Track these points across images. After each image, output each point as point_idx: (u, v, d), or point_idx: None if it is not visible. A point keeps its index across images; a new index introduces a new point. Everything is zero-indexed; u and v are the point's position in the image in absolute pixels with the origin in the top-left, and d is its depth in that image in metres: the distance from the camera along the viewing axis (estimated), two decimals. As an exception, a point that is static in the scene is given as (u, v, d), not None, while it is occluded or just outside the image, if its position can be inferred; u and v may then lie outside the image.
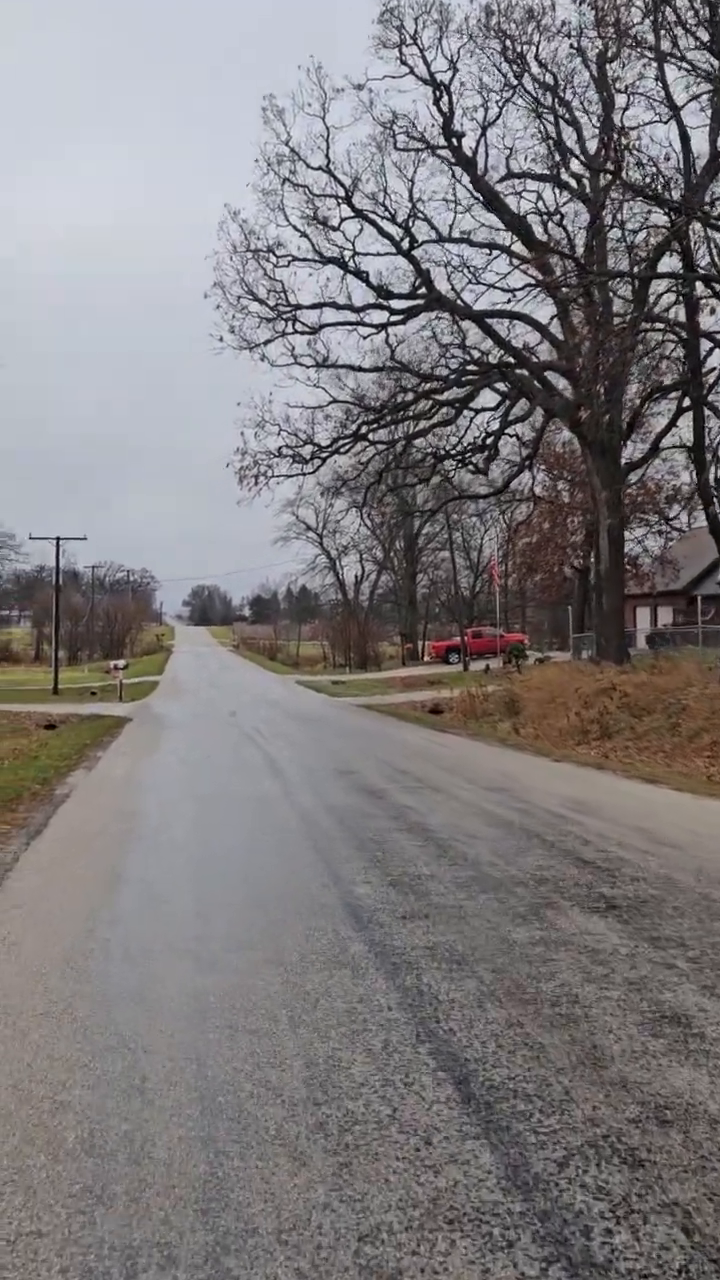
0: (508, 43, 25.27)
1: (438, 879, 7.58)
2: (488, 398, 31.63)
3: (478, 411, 31.56)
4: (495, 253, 28.59)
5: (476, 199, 26.58)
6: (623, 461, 29.41)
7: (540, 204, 26.35)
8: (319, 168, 26.44)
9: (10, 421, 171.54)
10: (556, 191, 27.84)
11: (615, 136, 22.86)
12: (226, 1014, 4.82)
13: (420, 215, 27.17)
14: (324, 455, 29.15)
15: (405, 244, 26.17)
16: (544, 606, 77.15)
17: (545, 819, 10.20)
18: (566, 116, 27.50)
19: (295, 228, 27.64)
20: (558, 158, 26.18)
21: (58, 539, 52.11)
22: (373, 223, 26.11)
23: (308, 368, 29.87)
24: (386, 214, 26.07)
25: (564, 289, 25.02)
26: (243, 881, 7.69)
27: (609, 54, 27.07)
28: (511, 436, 31.25)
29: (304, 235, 27.79)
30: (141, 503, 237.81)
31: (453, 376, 28.44)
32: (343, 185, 26.37)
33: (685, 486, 41.65)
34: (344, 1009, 4.87)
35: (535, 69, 26.96)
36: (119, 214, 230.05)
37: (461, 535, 77.27)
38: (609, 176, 23.10)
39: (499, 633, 63.23)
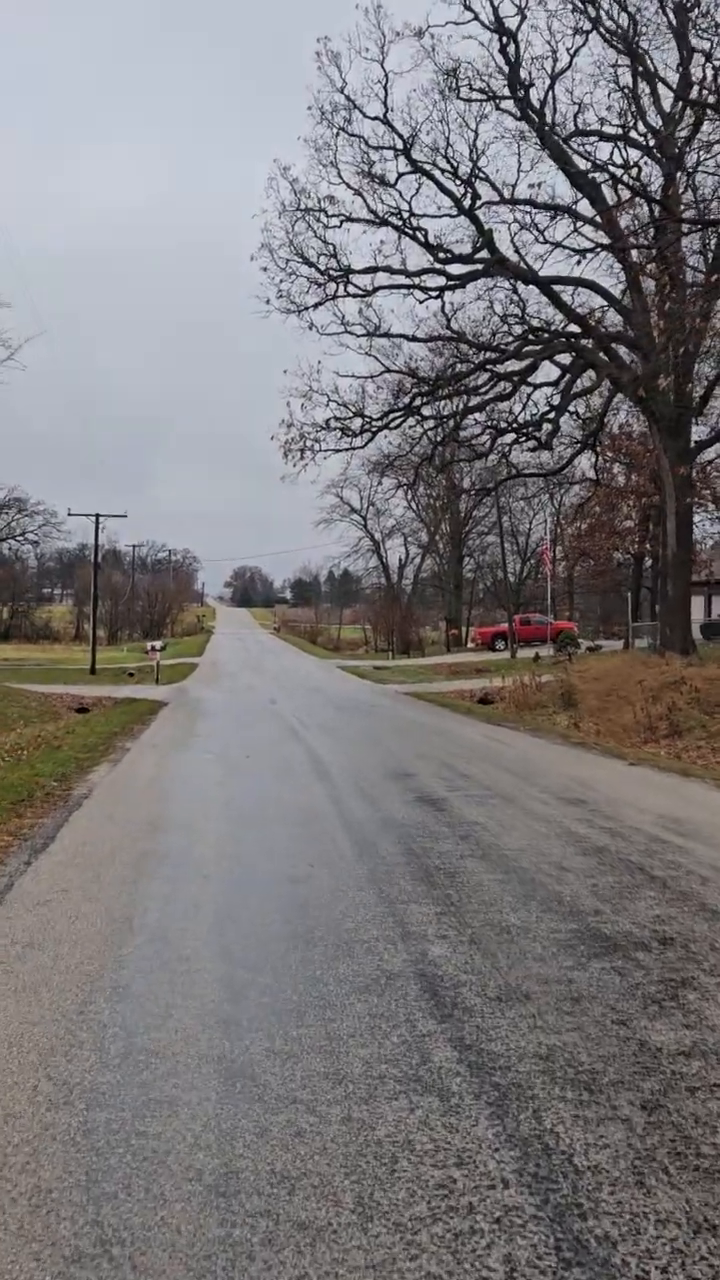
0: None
1: (531, 933, 5.97)
2: (546, 372, 29.80)
3: (536, 386, 29.69)
4: (560, 215, 26.69)
5: (544, 155, 24.68)
6: (693, 441, 27.46)
7: (612, 162, 24.36)
8: (376, 117, 24.63)
9: (50, 402, 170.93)
10: (627, 151, 25.84)
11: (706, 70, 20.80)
12: (263, 1190, 3.22)
13: (481, 175, 25.30)
14: (374, 429, 27.46)
15: (467, 201, 24.33)
16: (593, 594, 75.05)
17: (643, 845, 8.54)
18: (641, 70, 25.53)
19: (349, 185, 25.92)
20: (632, 111, 24.24)
21: (97, 515, 51.01)
22: (432, 178, 24.27)
23: (358, 336, 28.19)
24: (448, 168, 24.22)
25: (639, 246, 23.09)
26: (285, 933, 6.08)
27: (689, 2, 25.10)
28: (572, 413, 29.38)
29: (358, 193, 26.06)
30: (184, 483, 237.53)
31: (515, 344, 26.58)
32: (401, 137, 24.53)
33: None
34: (436, 1181, 3.27)
35: (608, 20, 25.04)
36: (153, 195, 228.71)
37: (510, 519, 75.30)
38: (691, 123, 21.12)
39: (548, 620, 61.30)
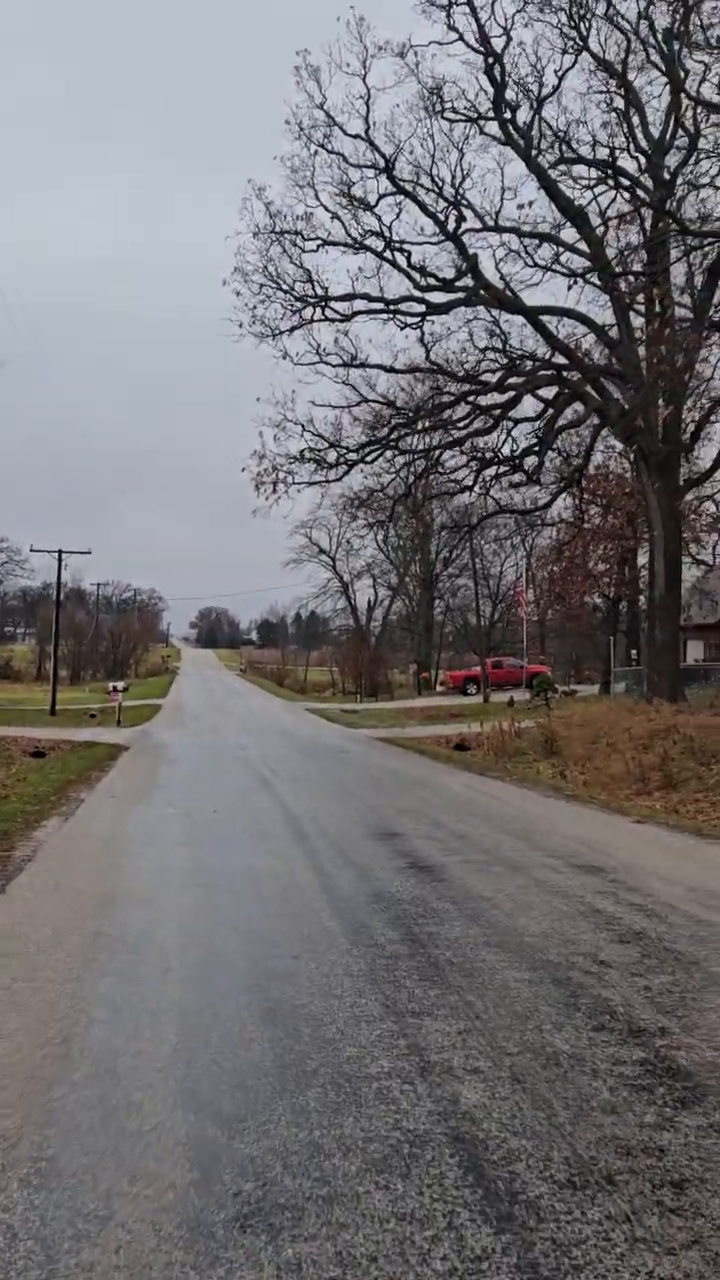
0: (572, 7, 22.57)
1: (588, 1065, 4.60)
2: (526, 408, 28.82)
3: (517, 422, 28.70)
4: (544, 245, 25.85)
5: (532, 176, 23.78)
6: (681, 479, 26.51)
7: (604, 180, 23.50)
8: (357, 135, 23.54)
9: (18, 437, 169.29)
10: (615, 179, 25.06)
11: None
12: None
13: (465, 202, 24.36)
14: (350, 461, 26.28)
15: (451, 225, 23.36)
16: (565, 637, 74.13)
17: (686, 928, 7.20)
18: (629, 96, 24.84)
19: (327, 208, 24.88)
20: (624, 132, 23.45)
21: (59, 552, 49.55)
22: (415, 199, 23.26)
23: (334, 366, 27.06)
24: (432, 187, 23.22)
25: (633, 273, 22.19)
26: (270, 1063, 4.64)
27: (675, 29, 24.48)
28: (556, 449, 28.38)
29: (335, 216, 25.04)
30: (149, 523, 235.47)
31: (499, 375, 25.54)
32: (383, 155, 23.43)
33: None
34: None
35: (596, 44, 24.36)
36: (111, 240, 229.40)
37: (481, 562, 74.40)
38: (682, 151, 20.33)
39: (520, 663, 60.22)
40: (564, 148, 24.86)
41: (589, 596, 53.11)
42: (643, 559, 46.62)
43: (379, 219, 24.96)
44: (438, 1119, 4.02)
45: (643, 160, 23.87)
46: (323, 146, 23.71)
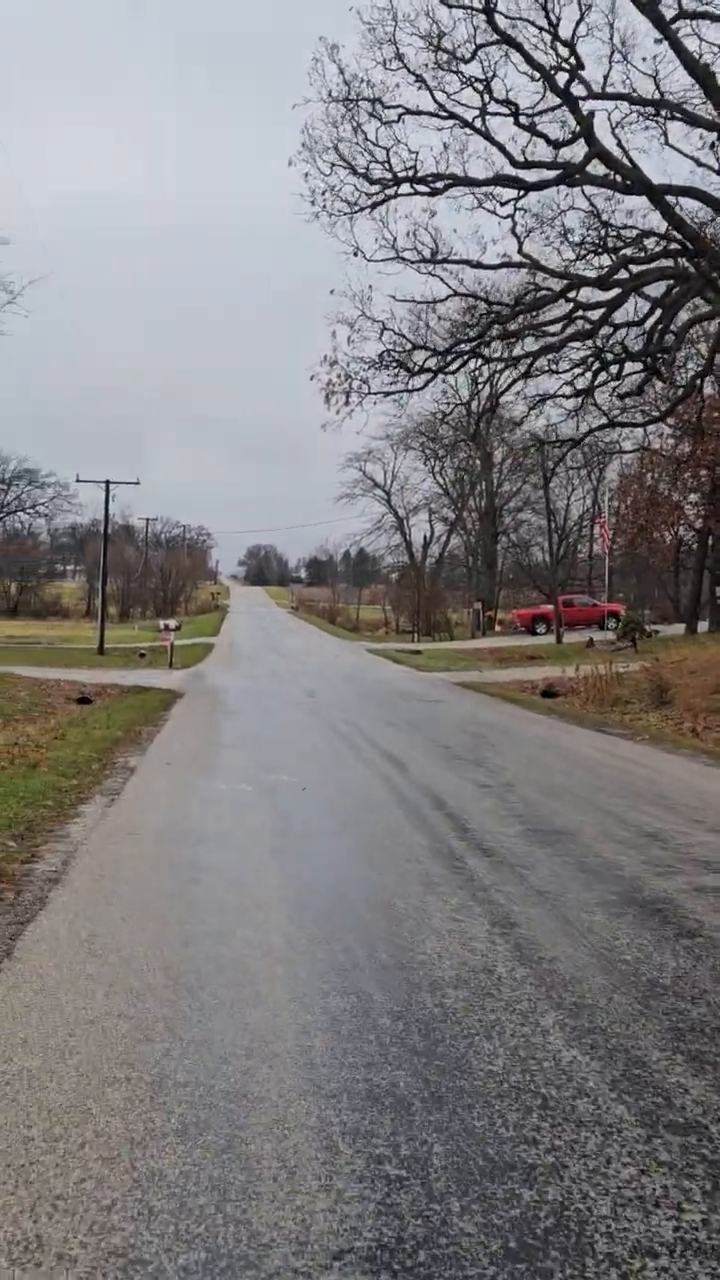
0: None
1: None
2: (628, 310, 25.06)
3: (616, 328, 24.99)
4: (665, 114, 21.97)
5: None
6: None
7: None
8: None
9: (51, 369, 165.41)
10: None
11: None
12: None
13: (577, 55, 20.26)
14: (436, 368, 22.82)
15: (563, 79, 19.54)
16: (627, 575, 70.12)
17: None
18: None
19: (410, 69, 21.14)
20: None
21: (107, 482, 46.81)
22: (520, 49, 19.44)
23: (412, 263, 23.52)
24: (546, 26, 19.28)
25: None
26: None
27: None
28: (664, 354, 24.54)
29: (420, 81, 21.30)
30: (195, 463, 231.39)
31: (608, 270, 21.85)
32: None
33: None
34: None
35: None
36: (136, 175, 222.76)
37: (545, 497, 70.30)
38: None
39: (593, 601, 56.63)
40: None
41: (672, 529, 49.29)
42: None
43: (473, 88, 21.09)
44: None
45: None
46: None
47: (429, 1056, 3.89)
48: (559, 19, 19.13)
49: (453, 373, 25.37)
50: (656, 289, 24.10)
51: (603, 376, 22.51)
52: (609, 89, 21.66)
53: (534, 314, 23.56)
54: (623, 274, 22.99)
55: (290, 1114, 3.41)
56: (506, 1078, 3.71)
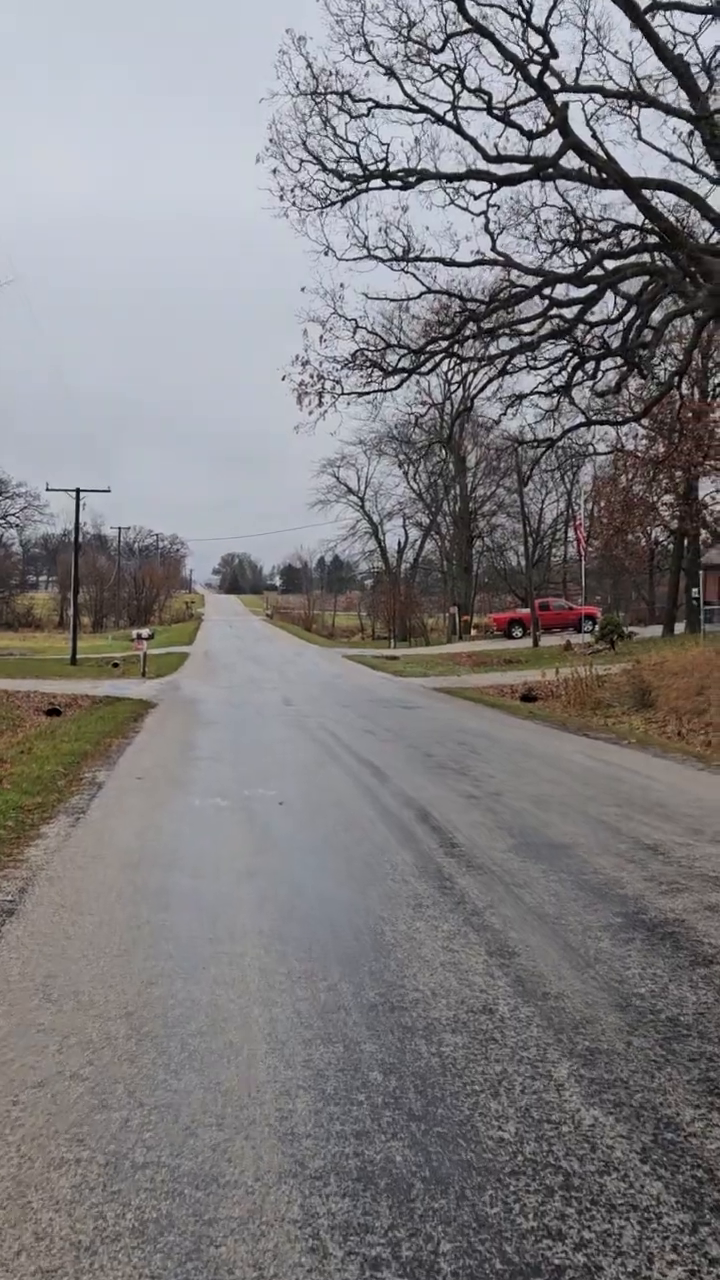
0: None
1: None
2: (604, 307, 24.68)
3: (592, 326, 24.61)
4: (637, 104, 21.67)
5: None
6: None
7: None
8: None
9: (20, 372, 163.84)
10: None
11: None
12: None
13: (550, 43, 19.81)
14: (409, 368, 22.33)
15: (535, 69, 19.10)
16: (602, 577, 69.99)
17: None
18: None
19: (379, 61, 20.68)
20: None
21: (77, 490, 45.98)
22: (492, 37, 18.99)
23: (384, 261, 23.06)
24: (519, 13, 18.81)
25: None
26: None
27: None
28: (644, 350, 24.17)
29: (390, 73, 20.83)
30: (168, 472, 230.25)
31: (587, 262, 21.42)
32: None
33: None
34: None
35: None
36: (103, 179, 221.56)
37: (519, 500, 70.06)
38: None
39: (569, 605, 56.34)
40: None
41: (647, 530, 49.09)
42: (706, 487, 42.62)
43: (444, 80, 20.65)
44: None
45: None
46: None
47: (428, 1121, 3.37)
48: (531, 5, 18.67)
49: (427, 373, 24.89)
50: (633, 285, 23.78)
51: (579, 375, 22.07)
52: (583, 81, 21.30)
53: (509, 311, 23.13)
54: (598, 270, 22.63)
55: (268, 1204, 2.89)
56: (520, 1148, 3.19)
